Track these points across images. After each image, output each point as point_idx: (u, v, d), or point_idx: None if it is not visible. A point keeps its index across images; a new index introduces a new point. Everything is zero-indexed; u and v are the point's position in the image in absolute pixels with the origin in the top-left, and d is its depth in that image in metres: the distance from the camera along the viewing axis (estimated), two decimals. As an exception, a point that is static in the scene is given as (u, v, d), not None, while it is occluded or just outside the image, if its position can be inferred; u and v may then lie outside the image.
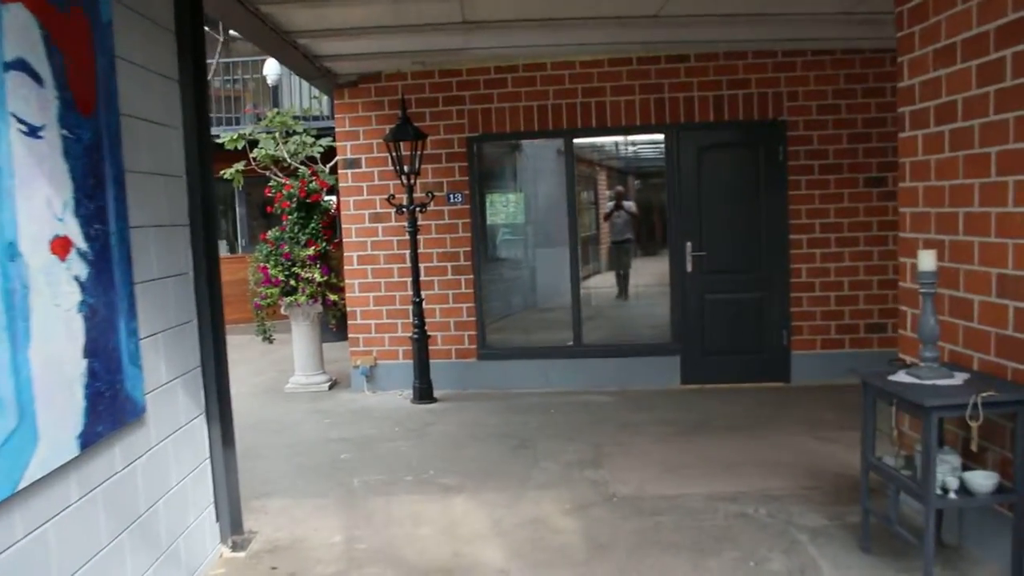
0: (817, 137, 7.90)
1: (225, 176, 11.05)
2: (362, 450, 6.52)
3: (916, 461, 3.82)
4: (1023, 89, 3.57)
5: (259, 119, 12.23)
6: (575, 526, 4.80)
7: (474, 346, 8.41)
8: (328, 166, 9.99)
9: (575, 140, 8.31)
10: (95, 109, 3.20)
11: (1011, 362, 3.74)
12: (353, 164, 8.39)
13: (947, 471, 3.61)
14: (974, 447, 3.59)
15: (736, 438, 6.43)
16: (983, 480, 3.62)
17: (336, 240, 8.70)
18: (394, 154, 7.69)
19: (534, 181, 9.19)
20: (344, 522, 5.01)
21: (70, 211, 2.97)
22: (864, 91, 7.81)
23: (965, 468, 3.72)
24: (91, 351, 3.09)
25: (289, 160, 10.59)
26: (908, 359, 4.61)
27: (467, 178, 8.30)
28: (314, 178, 8.95)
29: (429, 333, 8.04)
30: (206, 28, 13.00)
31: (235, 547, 4.59)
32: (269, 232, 8.74)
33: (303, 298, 8.41)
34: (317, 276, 8.39)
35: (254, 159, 10.87)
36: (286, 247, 8.46)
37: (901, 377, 3.88)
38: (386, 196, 8.02)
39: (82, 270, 3.04)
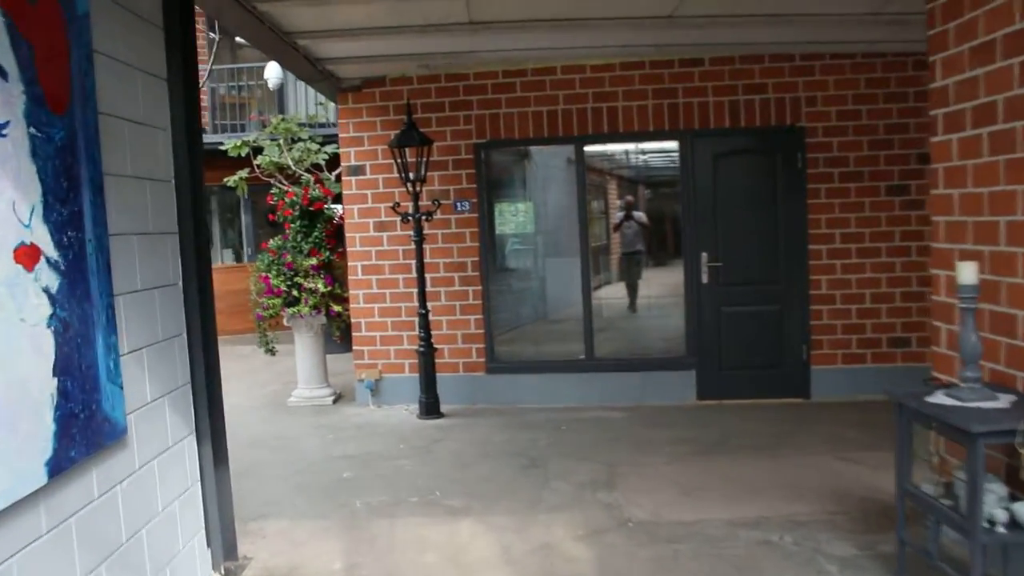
0: (837, 144, 7.62)
1: (228, 183, 10.87)
2: (365, 468, 6.26)
3: (957, 489, 3.53)
4: (1075, 87, 3.30)
5: (264, 126, 12.04)
6: (588, 554, 4.52)
7: (482, 359, 8.15)
8: (334, 174, 9.75)
9: (586, 147, 8.04)
10: (69, 106, 2.96)
11: (1061, 382, 3.46)
12: (357, 171, 8.15)
13: (994, 502, 3.32)
14: (1024, 475, 3.31)
15: (756, 458, 6.14)
16: (1037, 512, 3.32)
17: (340, 249, 8.45)
18: (399, 161, 7.46)
19: (543, 189, 8.93)
20: (345, 547, 4.74)
21: (38, 217, 2.72)
22: (886, 96, 7.54)
23: (1012, 498, 3.43)
24: (63, 369, 2.83)
25: (294, 167, 10.38)
26: (943, 378, 4.33)
27: (475, 185, 8.05)
28: (317, 185, 8.71)
29: (436, 346, 7.79)
30: (215, 34, 12.89)
31: (228, 574, 4.33)
32: (271, 241, 8.50)
33: (306, 309, 8.16)
34: (320, 286, 8.15)
35: (258, 166, 10.67)
36: (288, 256, 8.22)
37: (940, 399, 3.59)
38: (391, 204, 7.77)
39: (53, 281, 2.79)
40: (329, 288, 8.20)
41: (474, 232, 8.07)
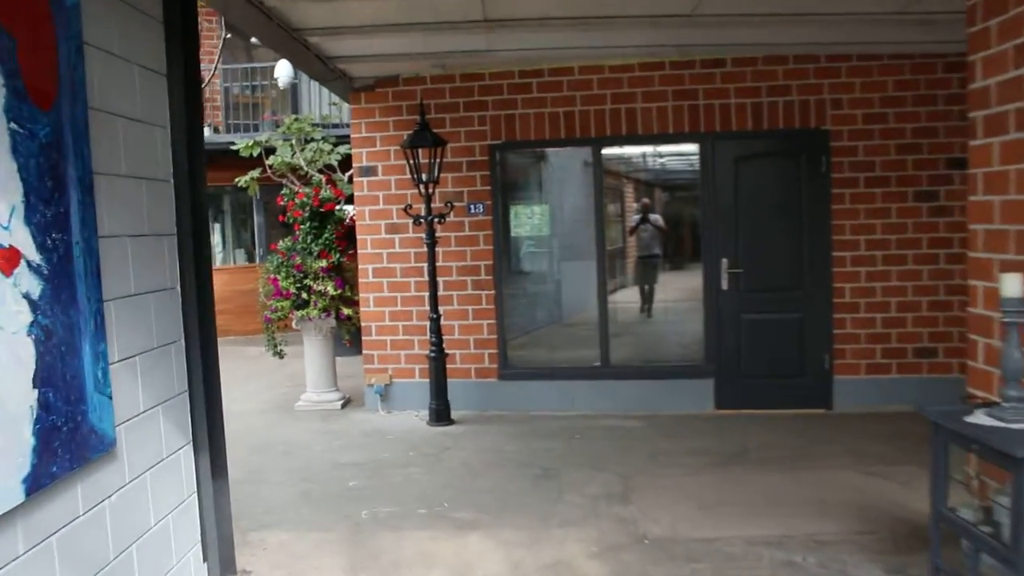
0: (863, 148, 7.38)
1: (239, 184, 10.75)
2: (373, 477, 6.08)
3: (997, 515, 3.31)
4: None
5: (277, 126, 11.92)
6: (603, 573, 4.32)
7: (495, 365, 7.95)
8: (347, 175, 9.59)
9: (603, 149, 7.84)
10: (56, 102, 2.79)
11: (1111, 403, 3.23)
12: (369, 172, 7.97)
13: (1039, 531, 3.09)
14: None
15: (776, 471, 5.92)
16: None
17: (351, 251, 8.28)
18: (412, 162, 7.29)
19: (559, 192, 8.73)
20: (349, 561, 4.56)
21: (19, 218, 2.55)
22: (914, 98, 7.30)
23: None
24: (44, 380, 2.67)
25: (306, 168, 10.24)
26: (979, 394, 4.10)
27: (489, 188, 7.86)
28: (328, 186, 8.55)
29: (447, 351, 7.60)
30: (228, 35, 12.77)
31: (225, 590, 4.16)
32: (280, 242, 8.34)
33: (315, 312, 8.00)
34: (330, 289, 7.98)
35: (270, 167, 10.54)
36: (298, 258, 8.05)
37: (980, 419, 3.37)
38: (403, 206, 7.59)
39: (34, 286, 2.62)
40: (339, 291, 8.03)
41: (488, 235, 7.89)
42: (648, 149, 8.66)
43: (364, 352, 8.12)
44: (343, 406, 8.35)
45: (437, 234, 7.51)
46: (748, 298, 7.63)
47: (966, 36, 4.23)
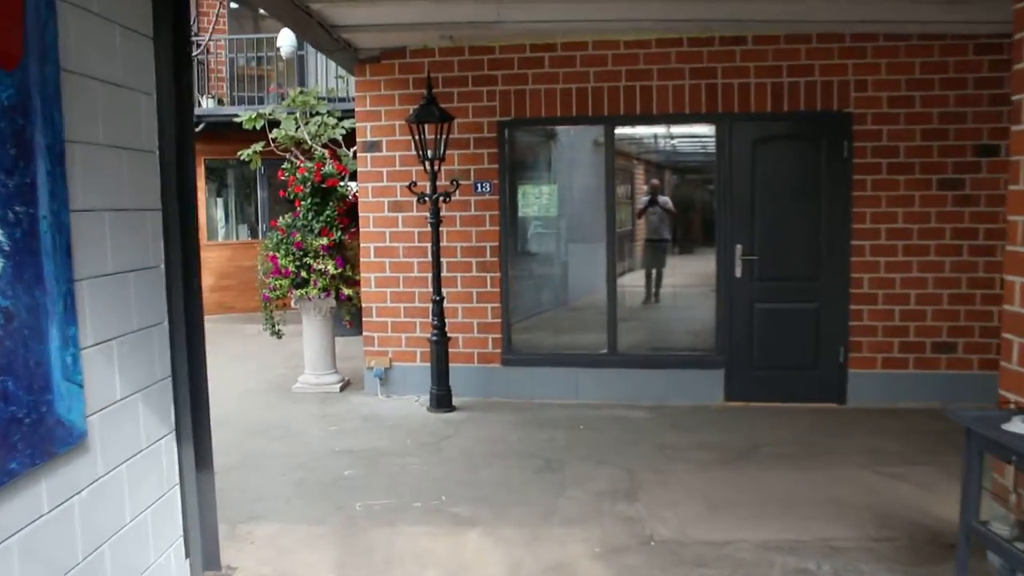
0: (887, 132, 7.07)
1: (242, 157, 10.52)
2: (369, 466, 5.85)
3: (1036, 532, 3.07)
4: None
5: (283, 99, 11.65)
6: (606, 577, 4.10)
7: (498, 350, 7.71)
8: (352, 150, 9.32)
9: (617, 127, 7.54)
10: (21, 62, 2.53)
11: None
12: (373, 147, 7.71)
13: (1084, 553, 2.86)
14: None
15: (788, 469, 5.69)
16: None
17: (352, 229, 8.03)
18: (417, 137, 7.01)
19: (569, 172, 8.45)
20: (339, 557, 4.34)
21: (-27, 189, 2.30)
22: (942, 82, 6.98)
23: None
24: (4, 367, 2.44)
25: (310, 142, 9.99)
26: (1011, 397, 3.85)
27: (496, 166, 7.58)
28: (331, 161, 8.28)
29: (450, 335, 7.36)
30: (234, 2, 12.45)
31: (208, 586, 3.94)
32: (280, 219, 8.09)
33: (315, 291, 7.76)
34: (331, 268, 7.73)
35: (274, 140, 10.29)
36: (298, 235, 7.80)
37: (1018, 427, 3.12)
38: (407, 183, 7.33)
39: (-9, 265, 2.38)
40: (340, 270, 7.79)
41: (494, 215, 7.62)
42: (662, 129, 8.36)
43: (364, 334, 7.88)
44: (342, 389, 8.13)
45: (442, 213, 7.25)
46: (762, 286, 7.36)
47: (1013, 13, 3.92)
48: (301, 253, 7.76)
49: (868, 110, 7.08)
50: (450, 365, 7.33)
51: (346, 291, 7.89)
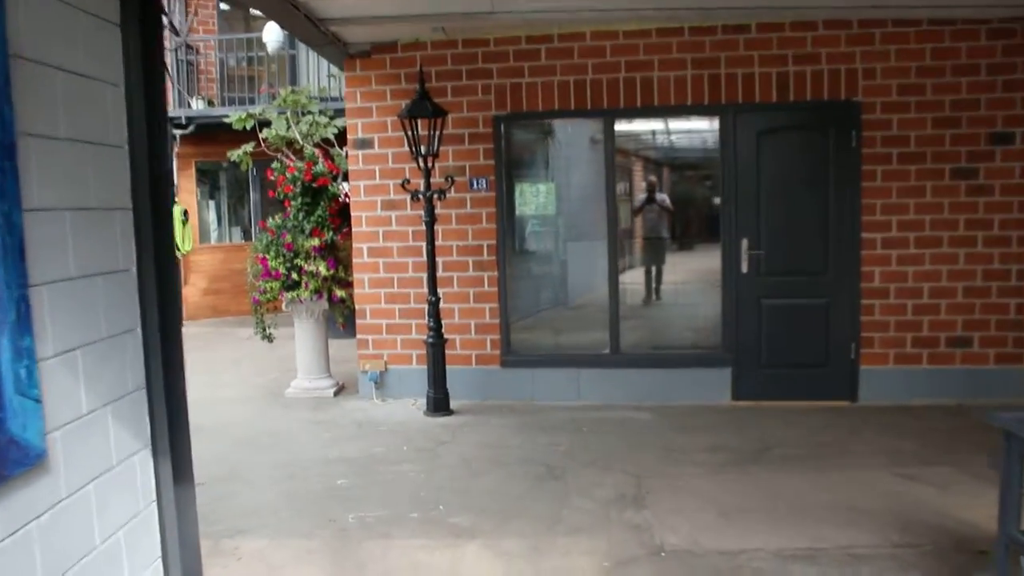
0: (897, 121, 6.84)
1: (232, 158, 10.29)
2: (363, 475, 5.61)
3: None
4: None
5: (274, 99, 11.41)
6: (614, 593, 3.86)
7: (497, 351, 7.47)
8: (345, 150, 9.08)
9: (616, 121, 7.29)
10: (-39, 43, 2.28)
11: None
12: (365, 144, 7.46)
13: None
14: None
15: (802, 472, 5.45)
16: None
17: (344, 229, 7.78)
18: (410, 133, 6.78)
19: (567, 167, 8.20)
20: (331, 573, 4.10)
21: (-98, 184, 2.06)
22: (954, 68, 6.74)
23: None
24: (-57, 383, 2.18)
25: (302, 142, 9.74)
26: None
27: (493, 162, 7.34)
28: (321, 159, 8.03)
29: (446, 336, 7.12)
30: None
31: (190, 610, 3.69)
32: (269, 220, 7.84)
33: (306, 293, 7.51)
34: (323, 269, 7.49)
35: (264, 140, 10.05)
36: (288, 236, 7.55)
37: (1062, 429, 2.88)
38: (401, 181, 7.09)
39: (-74, 269, 2.13)
40: (332, 271, 7.54)
41: (491, 212, 7.38)
42: (661, 125, 8.09)
43: (358, 337, 7.63)
44: (336, 393, 7.88)
45: (437, 211, 7.02)
46: (769, 282, 7.13)
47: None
48: (292, 255, 7.51)
49: (877, 98, 6.84)
50: (447, 367, 7.10)
51: (339, 293, 7.65)
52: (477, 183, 7.35)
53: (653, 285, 8.38)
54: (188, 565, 3.76)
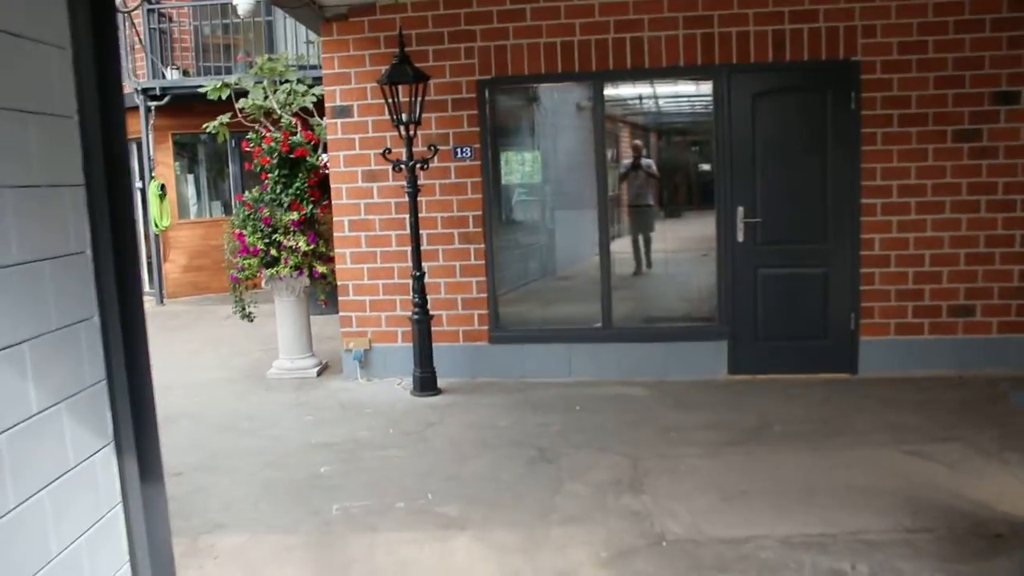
0: (897, 81, 6.56)
1: (208, 130, 9.92)
2: (347, 461, 5.36)
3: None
4: None
5: (251, 67, 11.02)
6: (615, 588, 3.64)
7: (485, 327, 7.20)
8: (325, 120, 8.74)
9: (606, 83, 6.98)
10: None
11: None
12: (343, 112, 7.14)
13: None
14: None
15: (804, 450, 5.24)
16: None
17: (324, 202, 7.47)
18: (391, 100, 6.46)
19: (555, 133, 7.90)
20: (313, 573, 3.86)
21: None
22: (957, 24, 6.45)
23: None
24: None
25: (280, 112, 9.39)
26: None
27: (477, 129, 7.03)
28: (298, 129, 7.70)
29: (432, 312, 6.86)
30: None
31: (162, 616, 3.44)
32: (246, 193, 7.52)
33: (286, 270, 7.21)
34: (302, 244, 7.19)
35: (241, 110, 9.68)
36: (266, 210, 7.24)
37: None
38: (382, 150, 6.79)
39: None
40: (312, 246, 7.24)
41: (476, 182, 7.08)
42: (648, 89, 7.78)
43: (341, 314, 7.35)
44: (319, 373, 7.61)
45: (420, 182, 6.72)
46: (766, 251, 6.88)
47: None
48: (270, 229, 7.20)
49: (877, 57, 6.56)
50: (434, 345, 6.83)
51: (320, 268, 7.35)
52: (461, 151, 7.05)
53: (642, 255, 8.11)
54: (159, 569, 3.50)
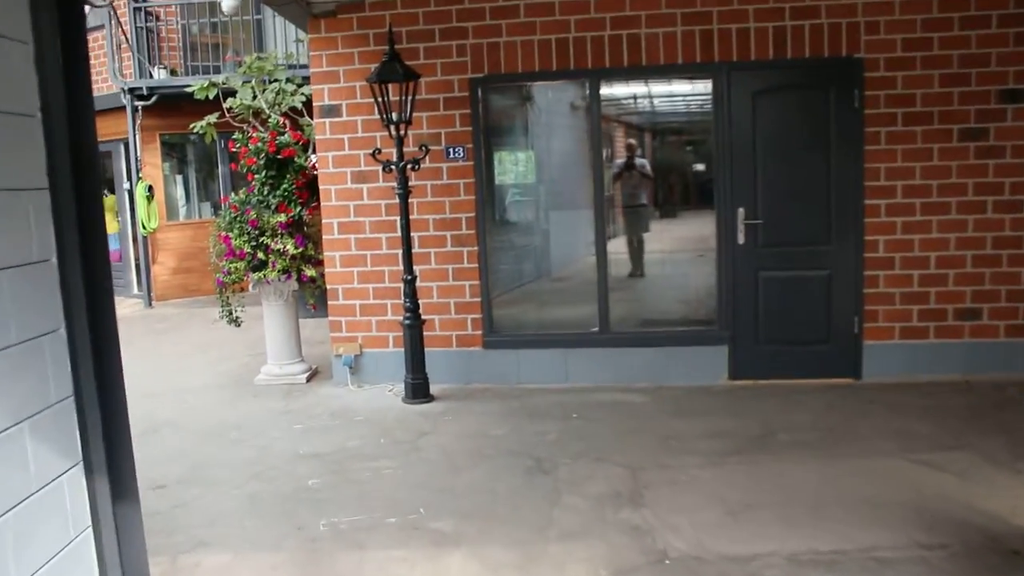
0: (902, 79, 6.38)
1: (195, 130, 9.73)
2: (336, 473, 5.16)
3: None
4: None
5: (240, 67, 10.84)
6: (617, 611, 3.45)
7: (479, 332, 7.02)
8: (315, 120, 8.54)
9: (602, 82, 6.80)
10: None
11: None
12: (332, 112, 6.94)
13: None
14: None
15: (811, 460, 5.06)
16: None
17: (313, 204, 7.28)
18: (381, 99, 6.27)
19: (548, 134, 7.72)
20: (298, 596, 3.68)
21: None
22: (963, 21, 6.28)
23: None
24: None
25: (268, 111, 9.20)
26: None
27: (470, 128, 6.83)
28: (286, 129, 7.50)
29: (425, 317, 6.67)
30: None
31: (137, 643, 3.24)
32: (232, 195, 7.32)
33: (273, 273, 7.01)
34: (290, 247, 6.99)
35: (229, 110, 9.49)
36: (253, 212, 7.04)
37: None
38: (371, 151, 6.60)
39: None
40: (300, 249, 7.04)
41: (469, 183, 6.89)
42: (643, 88, 7.58)
43: (330, 318, 7.16)
44: (308, 379, 7.41)
45: (411, 183, 6.54)
46: (767, 253, 6.70)
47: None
48: (257, 232, 7.00)
49: (881, 55, 6.39)
50: (426, 350, 6.65)
51: (308, 272, 7.15)
52: (454, 152, 6.86)
53: (636, 261, 7.91)
54: (133, 593, 3.32)
